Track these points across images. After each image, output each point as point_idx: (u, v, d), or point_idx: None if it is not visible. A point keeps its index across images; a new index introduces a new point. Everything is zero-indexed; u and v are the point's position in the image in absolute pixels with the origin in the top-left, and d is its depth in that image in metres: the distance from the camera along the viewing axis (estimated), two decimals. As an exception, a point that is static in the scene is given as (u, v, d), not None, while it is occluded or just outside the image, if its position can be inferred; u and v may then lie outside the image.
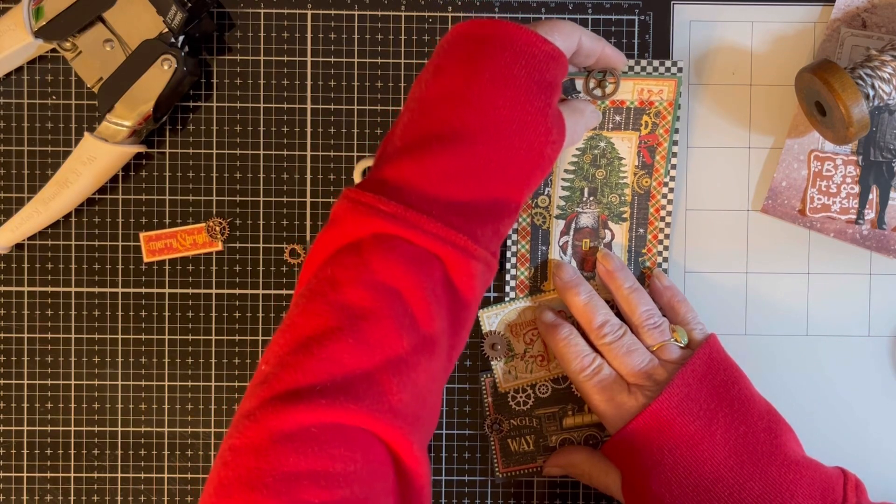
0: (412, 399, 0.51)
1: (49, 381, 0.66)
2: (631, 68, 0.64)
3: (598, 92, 0.64)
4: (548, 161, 0.55)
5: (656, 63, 0.65)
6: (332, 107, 0.66)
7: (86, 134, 0.62)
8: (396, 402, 0.50)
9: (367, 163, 0.65)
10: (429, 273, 0.51)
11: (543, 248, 0.66)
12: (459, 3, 0.66)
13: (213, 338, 0.66)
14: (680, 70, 0.65)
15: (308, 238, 0.66)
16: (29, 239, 0.66)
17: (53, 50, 0.64)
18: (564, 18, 0.59)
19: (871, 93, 0.60)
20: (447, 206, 0.52)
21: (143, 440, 0.67)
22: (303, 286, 0.53)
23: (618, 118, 0.65)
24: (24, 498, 0.66)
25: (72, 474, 0.67)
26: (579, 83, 0.64)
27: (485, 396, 0.67)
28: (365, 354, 0.50)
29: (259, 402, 0.49)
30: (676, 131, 0.65)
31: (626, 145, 0.65)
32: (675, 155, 0.66)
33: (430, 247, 0.51)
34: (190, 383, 0.67)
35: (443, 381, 0.54)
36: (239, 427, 0.49)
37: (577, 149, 0.65)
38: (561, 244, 0.66)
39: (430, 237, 0.51)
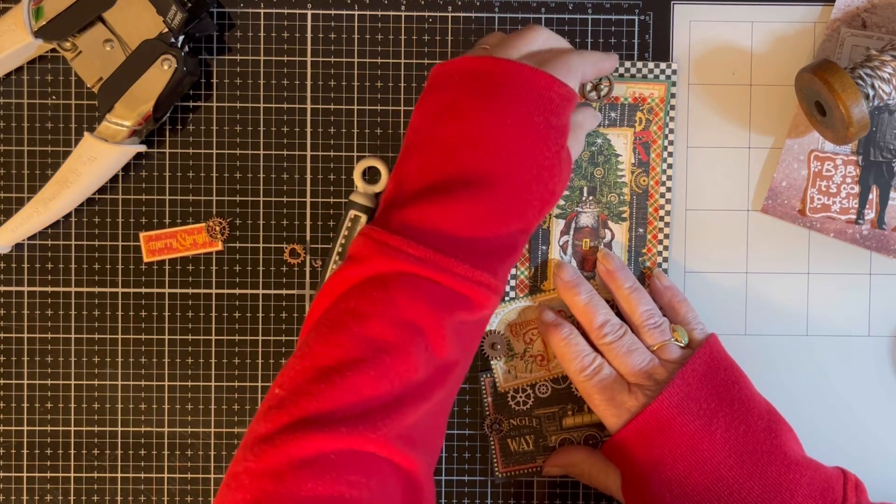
0: (425, 426, 0.53)
1: (49, 381, 0.66)
2: (627, 70, 0.65)
3: (594, 95, 0.65)
4: (558, 197, 0.58)
5: (651, 65, 0.65)
6: (332, 107, 0.66)
7: (86, 134, 0.62)
8: (411, 430, 0.52)
9: (368, 163, 0.65)
10: (452, 312, 0.53)
11: (543, 247, 0.66)
12: (459, 3, 0.66)
13: (213, 338, 0.66)
14: (674, 72, 0.65)
15: (308, 238, 0.66)
16: (29, 239, 0.66)
17: (53, 50, 0.64)
18: (569, 49, 0.60)
19: (871, 93, 0.60)
20: (471, 247, 0.54)
21: (143, 440, 0.67)
22: (315, 318, 0.54)
23: (613, 115, 0.65)
24: (24, 498, 0.66)
25: (72, 474, 0.67)
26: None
27: (484, 396, 0.67)
28: (384, 386, 0.51)
29: (277, 427, 0.50)
30: (671, 131, 0.66)
31: (621, 142, 0.65)
32: (670, 154, 0.66)
33: (457, 287, 0.53)
34: (190, 383, 0.67)
35: (451, 404, 0.57)
36: (255, 451, 0.50)
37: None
38: (561, 244, 0.66)
39: (458, 279, 0.53)
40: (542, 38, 0.59)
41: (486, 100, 0.55)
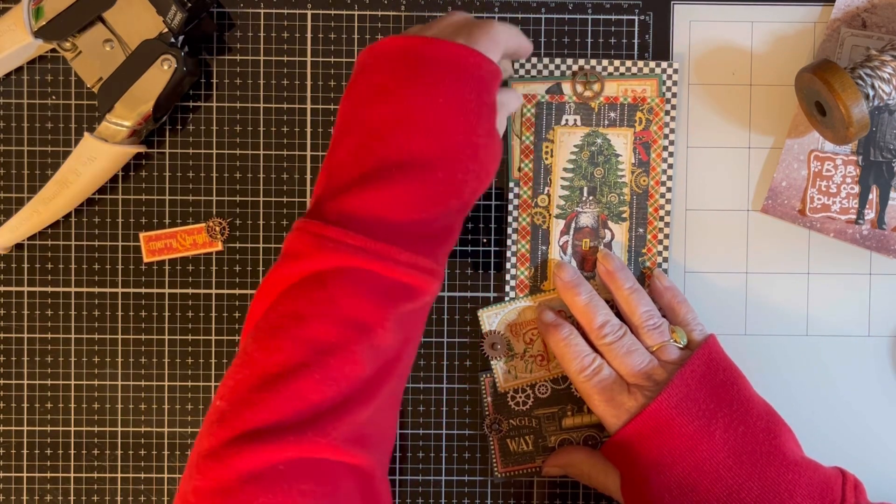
0: (377, 422, 0.52)
1: (49, 381, 0.66)
2: (616, 68, 0.65)
3: (588, 93, 0.65)
4: (493, 175, 0.56)
5: (652, 64, 0.65)
6: (332, 107, 0.66)
7: (86, 134, 0.62)
8: (362, 428, 0.50)
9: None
10: (396, 304, 0.51)
11: (543, 247, 0.66)
12: (459, 2, 0.66)
13: (213, 338, 0.67)
14: (675, 71, 0.65)
15: (308, 238, 0.66)
16: (29, 239, 0.66)
17: (53, 50, 0.64)
18: (490, 21, 0.57)
19: (871, 93, 0.60)
20: (410, 232, 0.52)
21: (143, 440, 0.67)
22: (255, 321, 0.52)
23: (612, 115, 0.65)
24: (24, 498, 0.67)
25: (72, 474, 0.67)
26: (566, 86, 0.65)
27: (484, 396, 0.67)
28: (331, 389, 0.49)
29: (220, 441, 0.48)
30: (672, 131, 0.66)
31: (621, 142, 0.65)
32: (670, 154, 0.66)
33: (399, 277, 0.51)
34: (190, 383, 0.67)
35: (401, 395, 0.55)
36: (201, 468, 0.48)
37: (574, 146, 0.65)
38: (561, 244, 0.66)
39: (400, 267, 0.51)
40: (462, 17, 0.58)
41: (416, 79, 0.53)
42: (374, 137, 0.53)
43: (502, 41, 0.56)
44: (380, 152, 0.52)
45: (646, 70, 0.65)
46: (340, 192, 0.52)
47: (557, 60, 0.65)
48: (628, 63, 0.65)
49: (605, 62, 0.65)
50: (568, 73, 0.65)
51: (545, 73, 0.66)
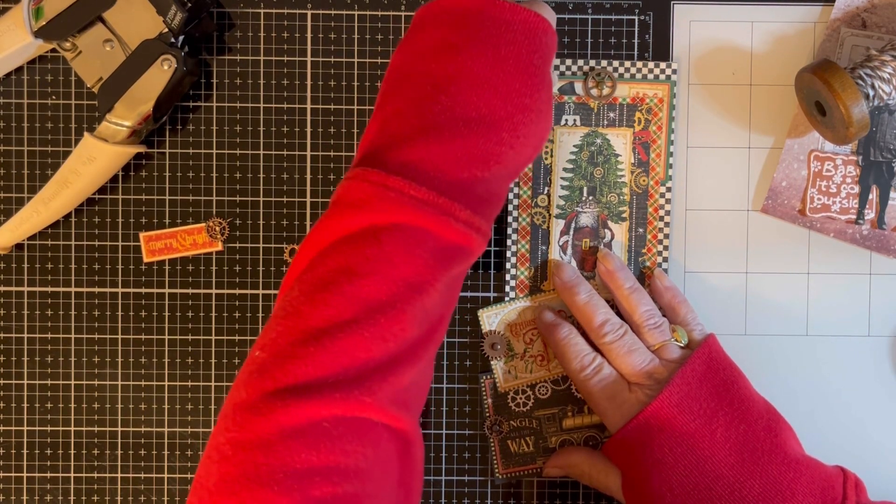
0: (417, 386, 0.51)
1: (49, 381, 0.66)
2: (627, 70, 0.65)
3: (595, 92, 0.65)
4: (543, 146, 0.56)
5: (651, 65, 0.65)
6: (332, 107, 0.66)
7: (86, 134, 0.62)
8: (405, 392, 0.50)
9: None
10: (449, 264, 0.51)
11: (543, 247, 0.66)
12: (459, 3, 0.66)
13: (213, 338, 0.66)
14: (674, 72, 0.65)
15: (308, 238, 0.66)
16: (29, 239, 0.66)
17: (53, 50, 0.64)
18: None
19: (871, 93, 0.60)
20: (471, 190, 0.51)
21: (143, 440, 0.67)
22: (299, 271, 0.51)
23: (612, 115, 0.65)
24: (24, 498, 0.66)
25: (72, 474, 0.67)
26: (578, 85, 0.65)
27: (484, 398, 0.67)
28: (379, 348, 0.49)
29: (261, 393, 0.47)
30: (671, 131, 0.66)
31: (621, 142, 0.65)
32: (670, 154, 0.66)
33: (456, 238, 0.50)
34: (190, 383, 0.67)
35: (435, 353, 0.54)
36: (238, 420, 0.47)
37: (574, 146, 0.65)
38: (561, 244, 0.66)
39: (459, 226, 0.50)
40: None
41: (487, 38, 0.52)
42: (438, 90, 0.52)
43: (554, 15, 0.57)
44: (445, 103, 0.51)
45: (651, 75, 0.65)
46: (402, 142, 0.51)
47: (557, 61, 0.65)
48: (639, 64, 0.65)
49: (615, 63, 0.65)
50: (568, 73, 0.65)
51: (545, 73, 0.66)
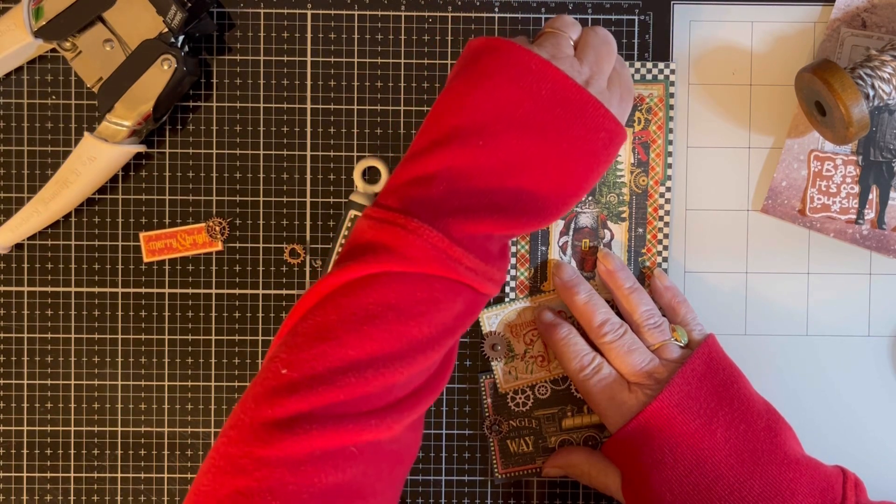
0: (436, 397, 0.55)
1: (49, 381, 0.66)
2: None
3: None
4: None
5: (650, 65, 0.65)
6: (332, 107, 0.66)
7: (86, 134, 0.62)
8: (426, 407, 0.53)
9: (368, 163, 0.65)
10: (477, 313, 0.55)
11: (543, 248, 0.66)
12: (459, 3, 0.66)
13: (213, 338, 0.67)
14: (673, 72, 0.65)
15: (308, 238, 0.66)
16: (29, 239, 0.66)
17: (53, 50, 0.64)
18: (625, 68, 0.60)
19: (871, 93, 0.60)
20: (501, 254, 0.56)
21: (143, 440, 0.67)
22: (336, 286, 0.52)
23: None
24: (24, 498, 0.67)
25: (72, 474, 0.67)
26: None
27: (484, 397, 0.67)
28: (414, 380, 0.52)
29: (292, 412, 0.48)
30: (671, 131, 0.66)
31: (620, 141, 0.65)
32: (670, 154, 0.66)
33: (488, 291, 0.55)
34: (190, 383, 0.67)
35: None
36: (262, 435, 0.48)
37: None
38: (560, 244, 0.66)
39: (492, 284, 0.54)
40: (609, 47, 0.58)
41: (569, 135, 0.54)
42: (511, 167, 0.54)
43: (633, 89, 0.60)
44: (512, 185, 0.54)
45: (648, 75, 0.65)
46: (467, 211, 0.53)
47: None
48: (637, 65, 0.65)
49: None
50: None
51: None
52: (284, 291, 0.66)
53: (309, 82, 0.66)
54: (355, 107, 0.66)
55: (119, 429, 0.67)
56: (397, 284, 0.51)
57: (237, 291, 0.66)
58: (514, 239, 0.66)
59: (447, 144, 0.53)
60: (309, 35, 0.66)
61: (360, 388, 0.49)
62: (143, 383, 0.67)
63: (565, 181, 0.55)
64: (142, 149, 0.64)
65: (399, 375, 0.50)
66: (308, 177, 0.66)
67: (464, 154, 0.53)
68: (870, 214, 0.66)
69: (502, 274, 0.55)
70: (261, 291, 0.66)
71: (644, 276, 0.66)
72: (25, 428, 0.67)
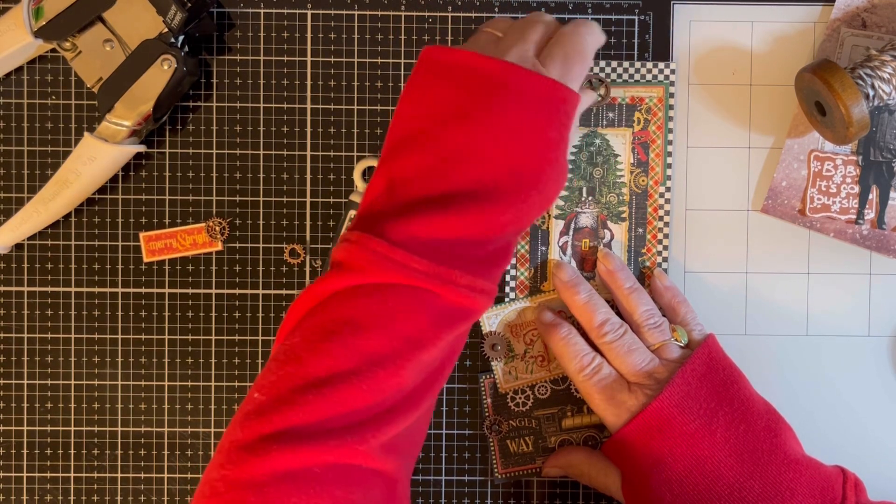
0: (414, 429, 0.52)
1: (49, 381, 0.67)
2: (626, 70, 0.65)
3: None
4: (556, 199, 0.57)
5: (650, 65, 0.65)
6: (332, 107, 0.66)
7: (86, 134, 0.62)
8: (399, 436, 0.51)
9: (368, 163, 0.65)
10: (452, 325, 0.52)
11: (543, 248, 0.66)
12: (459, 3, 0.66)
13: (213, 338, 0.67)
14: (673, 72, 0.65)
15: (308, 238, 0.66)
16: (29, 239, 0.66)
17: (53, 50, 0.64)
18: (579, 30, 0.57)
19: (871, 93, 0.60)
20: (473, 255, 0.52)
21: (143, 440, 0.67)
22: (299, 317, 0.52)
23: (611, 115, 0.65)
24: (24, 498, 0.67)
25: (72, 474, 0.67)
26: None
27: (484, 397, 0.67)
28: (376, 399, 0.50)
29: (257, 435, 0.48)
30: (670, 131, 0.66)
31: (620, 142, 0.65)
32: (669, 154, 0.66)
33: (459, 301, 0.51)
34: (190, 383, 0.67)
35: (433, 407, 0.56)
36: (232, 458, 0.48)
37: (573, 147, 0.65)
38: (560, 244, 0.66)
39: (461, 291, 0.51)
40: (548, 21, 0.57)
41: (500, 111, 0.52)
42: (447, 161, 0.52)
43: (591, 53, 0.56)
44: (453, 178, 0.52)
45: (648, 75, 0.65)
46: (406, 212, 0.51)
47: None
48: (637, 65, 0.65)
49: (614, 64, 0.65)
50: None
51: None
52: (284, 291, 0.66)
53: (309, 82, 0.66)
54: (355, 107, 0.66)
55: (119, 429, 0.67)
56: (353, 298, 0.51)
57: (237, 291, 0.66)
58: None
59: (388, 160, 0.53)
60: (309, 35, 0.66)
61: (319, 406, 0.48)
62: (143, 383, 0.67)
63: (514, 159, 0.52)
64: (142, 149, 0.64)
65: (357, 390, 0.49)
66: (308, 177, 0.66)
67: (402, 161, 0.53)
68: (870, 214, 0.66)
69: (478, 281, 0.52)
70: (261, 291, 0.66)
71: (644, 276, 0.66)
72: (25, 428, 0.67)
